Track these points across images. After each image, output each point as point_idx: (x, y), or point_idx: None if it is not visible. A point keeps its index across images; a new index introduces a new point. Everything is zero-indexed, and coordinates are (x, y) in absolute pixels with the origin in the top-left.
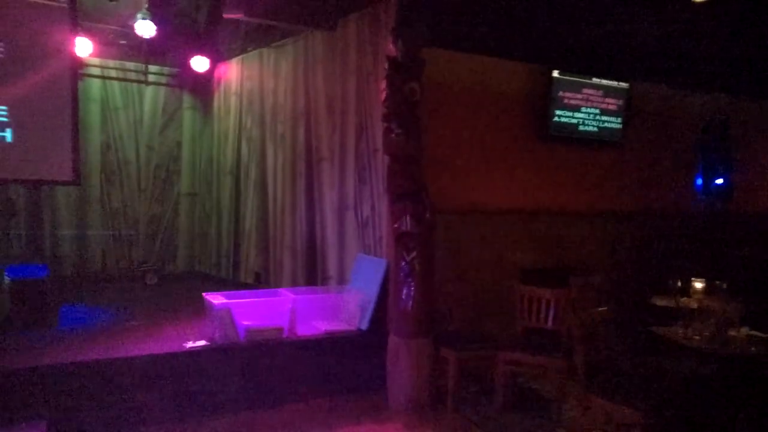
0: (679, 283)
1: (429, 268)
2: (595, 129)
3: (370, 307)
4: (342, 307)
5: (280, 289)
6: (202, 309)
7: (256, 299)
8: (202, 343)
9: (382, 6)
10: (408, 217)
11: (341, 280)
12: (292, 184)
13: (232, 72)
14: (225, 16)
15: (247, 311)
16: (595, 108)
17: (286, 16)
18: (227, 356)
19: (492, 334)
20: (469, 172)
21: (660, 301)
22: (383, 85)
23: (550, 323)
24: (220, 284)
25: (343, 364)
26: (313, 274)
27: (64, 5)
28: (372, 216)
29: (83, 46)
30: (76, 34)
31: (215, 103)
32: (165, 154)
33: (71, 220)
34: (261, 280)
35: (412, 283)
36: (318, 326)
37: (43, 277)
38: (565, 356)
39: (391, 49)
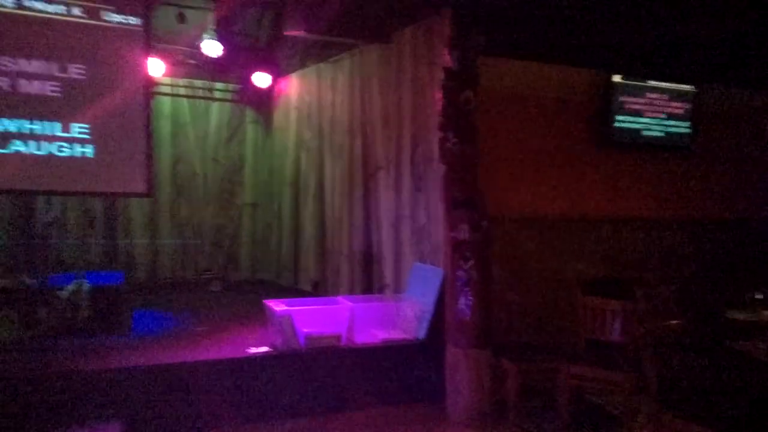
0: (761, 296)
1: (486, 276)
2: (661, 134)
3: (428, 316)
4: (399, 315)
5: (338, 297)
6: (264, 316)
7: (315, 307)
8: (264, 349)
9: (437, 18)
10: (464, 226)
11: (398, 289)
12: (349, 194)
13: (291, 87)
14: (286, 33)
15: (306, 318)
16: (660, 112)
17: (344, 31)
18: (288, 362)
19: (553, 346)
20: (527, 180)
21: (737, 315)
22: (439, 94)
23: (616, 336)
24: (281, 292)
25: (401, 373)
26: (369, 282)
27: (139, 28)
28: (428, 224)
29: (156, 67)
30: (150, 55)
31: (276, 117)
32: (229, 167)
33: (144, 230)
34: (319, 288)
35: (470, 293)
36: (376, 334)
37: (119, 284)
38: (634, 371)
39: (446, 59)
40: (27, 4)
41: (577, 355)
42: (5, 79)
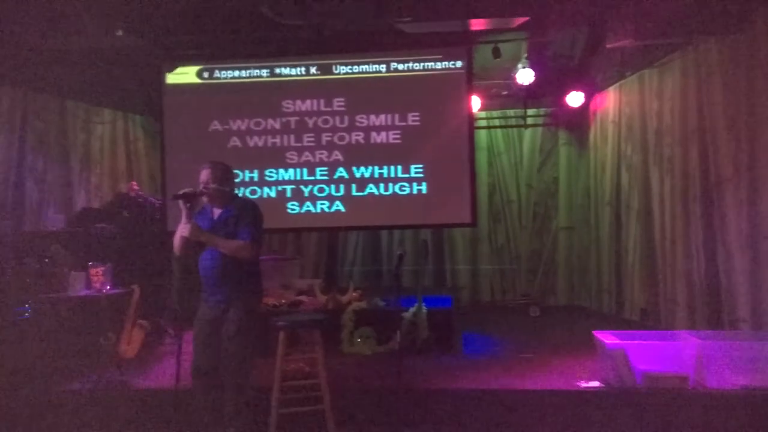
0: None
1: None
2: None
3: None
4: (763, 358)
5: (679, 332)
6: (588, 345)
7: (652, 341)
8: (595, 383)
9: None
10: None
11: (757, 325)
12: (683, 212)
13: (608, 101)
14: (609, 46)
15: (643, 354)
16: None
17: (680, 29)
18: (622, 401)
19: None
20: None
21: None
22: None
23: None
24: (602, 320)
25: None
26: (716, 315)
27: (462, 70)
28: None
29: (474, 103)
30: (471, 93)
31: (591, 135)
32: (543, 191)
33: (465, 256)
34: (649, 318)
35: None
36: (732, 379)
37: (449, 308)
38: None
39: None
40: (370, 68)
41: None
42: (360, 133)
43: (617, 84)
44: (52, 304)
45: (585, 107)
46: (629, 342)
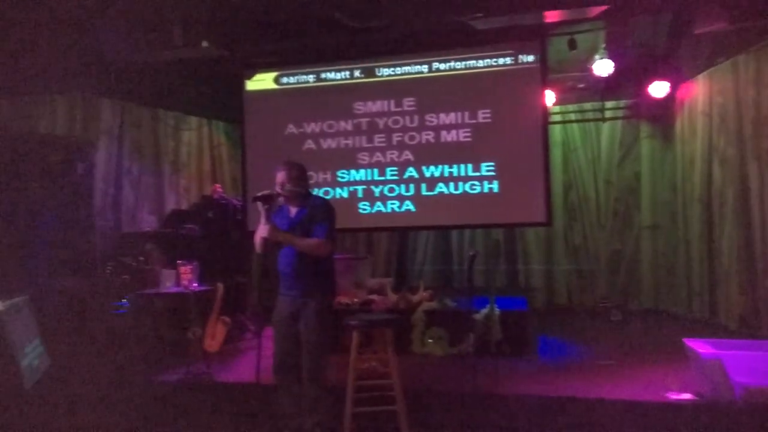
0: None
1: None
2: None
3: None
4: None
5: None
6: (678, 354)
7: (752, 351)
8: (687, 395)
9: None
10: None
11: None
12: None
13: (697, 90)
14: (697, 32)
15: (742, 365)
16: None
17: None
18: (718, 416)
19: None
20: None
21: None
22: None
23: None
24: (693, 326)
25: None
26: None
27: (535, 64)
28: None
29: (548, 97)
30: (545, 87)
31: (677, 127)
32: (623, 188)
33: (540, 256)
34: (748, 326)
35: None
36: None
37: (524, 309)
38: None
39: None
40: (441, 66)
41: None
42: (431, 132)
43: (707, 72)
44: (146, 299)
45: (670, 98)
46: (726, 351)
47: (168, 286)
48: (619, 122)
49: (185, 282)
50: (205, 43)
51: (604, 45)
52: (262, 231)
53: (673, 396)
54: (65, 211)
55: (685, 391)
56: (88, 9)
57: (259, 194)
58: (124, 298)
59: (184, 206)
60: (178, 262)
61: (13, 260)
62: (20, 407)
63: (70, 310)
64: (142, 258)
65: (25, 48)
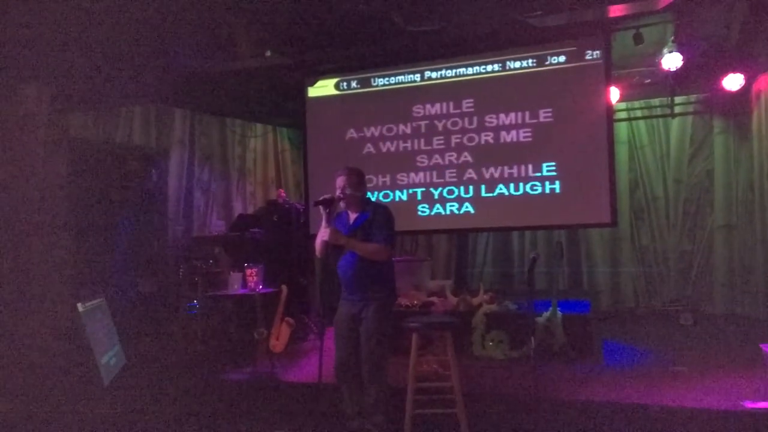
0: None
1: None
2: None
3: None
4: None
5: None
6: (754, 360)
7: None
8: (764, 404)
9: None
10: None
11: None
12: None
13: None
14: None
15: None
16: None
17: None
18: None
19: None
20: None
21: None
22: None
23: None
24: None
25: None
26: None
27: (599, 60)
28: None
29: (612, 94)
30: (610, 84)
31: (754, 122)
32: (694, 186)
33: (604, 258)
34: None
35: None
36: None
37: (587, 313)
38: None
39: None
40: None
41: None
42: (490, 133)
43: None
44: (215, 301)
45: (745, 91)
46: None
47: (235, 288)
48: (690, 118)
49: (251, 284)
50: (269, 53)
51: (672, 38)
52: (323, 234)
53: (750, 404)
54: (141, 216)
55: (763, 399)
56: (161, 25)
57: (321, 198)
58: (194, 299)
59: (251, 211)
60: (245, 264)
61: (92, 264)
62: (99, 403)
63: (144, 310)
64: (211, 261)
65: (106, 63)
